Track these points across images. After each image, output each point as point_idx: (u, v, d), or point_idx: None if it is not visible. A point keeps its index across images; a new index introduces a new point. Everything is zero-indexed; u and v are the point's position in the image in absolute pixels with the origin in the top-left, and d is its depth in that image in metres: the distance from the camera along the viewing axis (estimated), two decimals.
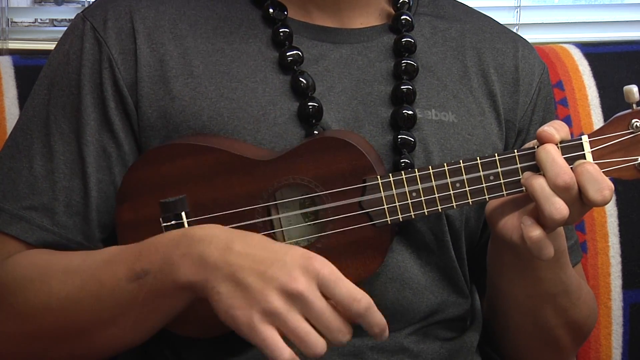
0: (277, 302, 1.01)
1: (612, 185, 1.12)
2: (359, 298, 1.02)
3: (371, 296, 1.06)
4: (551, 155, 1.12)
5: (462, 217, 1.25)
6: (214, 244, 1.05)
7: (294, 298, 1.01)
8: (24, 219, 1.18)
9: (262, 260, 1.03)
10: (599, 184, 1.11)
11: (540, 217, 1.12)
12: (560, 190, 1.11)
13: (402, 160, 1.20)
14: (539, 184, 1.11)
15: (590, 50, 1.66)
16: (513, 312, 1.28)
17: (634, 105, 1.15)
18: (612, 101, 1.60)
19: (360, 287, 1.03)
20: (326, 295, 1.02)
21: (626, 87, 1.15)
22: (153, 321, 1.12)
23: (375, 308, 1.03)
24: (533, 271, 1.21)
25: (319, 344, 1.02)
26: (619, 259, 1.57)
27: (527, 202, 1.15)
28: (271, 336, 1.01)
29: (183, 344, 1.21)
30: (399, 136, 1.21)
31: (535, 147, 1.14)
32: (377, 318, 1.04)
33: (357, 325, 1.19)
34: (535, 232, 1.12)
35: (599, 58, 1.64)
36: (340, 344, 1.03)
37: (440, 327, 1.25)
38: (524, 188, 1.14)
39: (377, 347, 1.21)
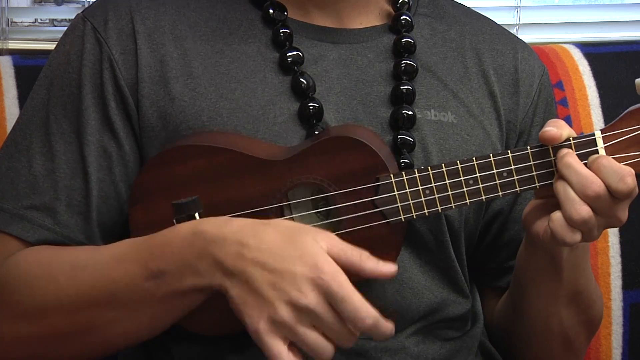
0: (286, 314, 1.03)
1: (632, 171, 1.11)
2: (364, 317, 1.03)
3: (370, 297, 1.05)
4: (573, 167, 1.12)
5: (462, 217, 1.25)
6: (226, 246, 1.06)
7: (303, 311, 1.03)
8: (25, 219, 1.18)
9: (273, 269, 1.04)
10: (618, 173, 1.11)
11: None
12: (592, 199, 1.11)
13: (401, 161, 1.20)
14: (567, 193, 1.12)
15: (590, 50, 1.65)
16: (538, 316, 1.28)
17: None
18: (612, 101, 1.60)
19: (360, 290, 1.03)
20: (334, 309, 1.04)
21: (638, 80, 1.14)
22: (169, 318, 1.13)
23: (381, 322, 1.04)
24: (561, 272, 1.21)
25: (327, 350, 1.05)
26: (619, 259, 1.57)
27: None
28: (276, 346, 1.04)
29: (176, 341, 1.21)
30: (399, 136, 1.21)
31: (550, 147, 1.14)
32: (382, 330, 1.05)
33: None
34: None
35: (599, 58, 1.64)
36: (348, 347, 1.06)
37: (441, 327, 1.26)
38: (537, 184, 1.14)
39: (380, 346, 1.21)
